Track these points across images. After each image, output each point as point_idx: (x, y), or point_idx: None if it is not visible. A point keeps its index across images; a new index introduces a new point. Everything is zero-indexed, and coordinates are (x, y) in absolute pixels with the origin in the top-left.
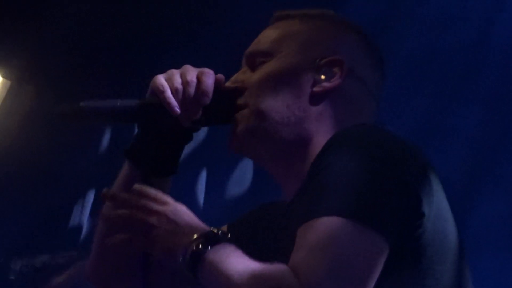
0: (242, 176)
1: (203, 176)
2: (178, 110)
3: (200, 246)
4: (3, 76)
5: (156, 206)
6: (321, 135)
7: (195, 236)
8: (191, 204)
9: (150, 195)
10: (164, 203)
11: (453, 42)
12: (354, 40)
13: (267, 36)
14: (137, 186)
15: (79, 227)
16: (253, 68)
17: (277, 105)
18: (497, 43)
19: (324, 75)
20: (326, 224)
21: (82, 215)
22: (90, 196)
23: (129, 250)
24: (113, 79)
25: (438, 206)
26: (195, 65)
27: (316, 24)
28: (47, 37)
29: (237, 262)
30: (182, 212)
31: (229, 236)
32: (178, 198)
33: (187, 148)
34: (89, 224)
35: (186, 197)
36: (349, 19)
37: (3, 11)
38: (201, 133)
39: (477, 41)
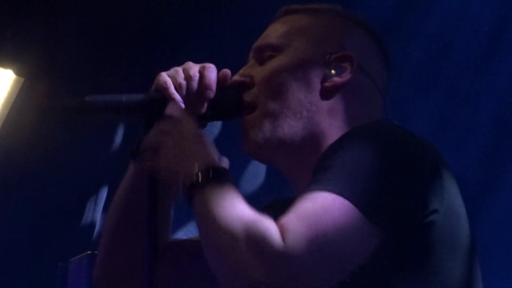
0: (256, 172)
1: None
2: (182, 104)
3: (202, 179)
4: (16, 73)
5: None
6: (333, 130)
7: (200, 166)
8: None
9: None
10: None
11: (468, 35)
12: (362, 35)
13: (276, 31)
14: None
15: (92, 224)
16: (261, 62)
17: (288, 101)
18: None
19: (334, 70)
20: (324, 198)
21: (95, 212)
22: (103, 193)
23: (139, 250)
24: (125, 75)
25: (450, 203)
26: (205, 61)
27: (324, 19)
28: (59, 34)
29: (231, 205)
30: (196, 134)
31: (231, 177)
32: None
33: None
34: (102, 222)
35: None
36: (356, 14)
37: (15, 8)
38: (215, 130)
39: (491, 33)
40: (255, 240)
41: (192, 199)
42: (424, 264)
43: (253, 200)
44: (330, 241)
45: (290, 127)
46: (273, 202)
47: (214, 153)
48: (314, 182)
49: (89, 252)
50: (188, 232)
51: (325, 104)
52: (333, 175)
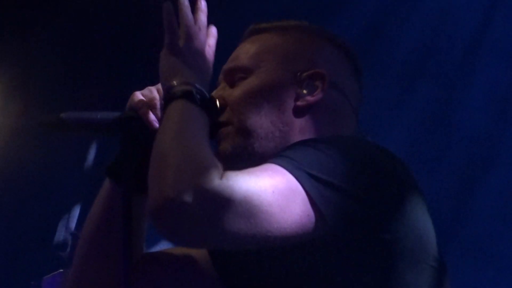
0: None
1: None
2: (156, 124)
3: (179, 93)
4: None
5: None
6: None
7: (184, 81)
8: None
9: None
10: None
11: (444, 49)
12: (333, 51)
13: (245, 52)
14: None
15: (65, 242)
16: (232, 84)
17: (261, 121)
18: (492, 41)
19: (306, 89)
20: (280, 169)
21: (68, 230)
22: (76, 211)
23: (112, 266)
24: (99, 92)
25: (412, 225)
26: None
27: (293, 37)
28: (33, 52)
29: (191, 132)
30: (200, 51)
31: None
32: None
33: None
34: (75, 240)
35: None
36: (325, 30)
37: None
38: None
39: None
40: (196, 164)
41: (166, 107)
42: (379, 275)
43: None
44: (264, 201)
45: (262, 146)
46: None
47: (203, 77)
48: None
49: (61, 270)
50: (162, 247)
51: (298, 123)
52: (293, 156)
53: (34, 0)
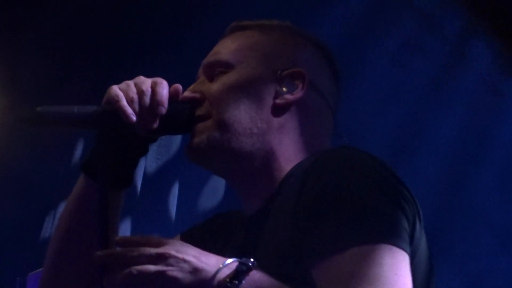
0: (215, 189)
1: (175, 189)
2: (134, 117)
3: (232, 279)
4: None
5: (155, 250)
6: (283, 148)
7: (222, 270)
8: (163, 217)
9: (141, 241)
10: (159, 243)
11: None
12: (313, 52)
13: (227, 47)
14: (119, 238)
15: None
16: (211, 78)
17: (240, 116)
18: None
19: (286, 87)
20: (350, 256)
21: (53, 227)
22: (61, 208)
23: (86, 264)
24: (85, 90)
25: (421, 228)
26: (161, 75)
27: (275, 35)
28: (19, 49)
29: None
30: (184, 246)
31: (253, 262)
32: (150, 211)
33: (159, 161)
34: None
35: (158, 210)
36: (306, 31)
37: None
38: (174, 146)
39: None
40: None
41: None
42: None
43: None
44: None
45: (239, 142)
46: (216, 215)
47: (206, 252)
48: (325, 237)
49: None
50: None
51: (276, 121)
52: (344, 223)
53: None
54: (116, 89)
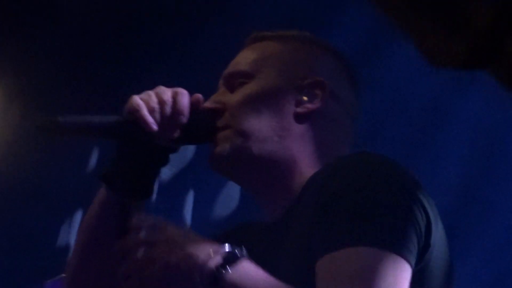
0: (229, 197)
1: (190, 197)
2: (155, 127)
3: (219, 267)
4: None
5: (154, 236)
6: (304, 156)
7: (211, 257)
8: (178, 225)
9: (148, 224)
10: (162, 229)
11: None
12: (332, 61)
13: (246, 57)
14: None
15: (67, 247)
16: (232, 89)
17: (260, 125)
18: None
19: (306, 96)
20: (354, 255)
21: (70, 234)
22: (78, 215)
23: (106, 274)
24: (101, 97)
25: (441, 231)
26: (178, 85)
27: (294, 45)
28: (32, 55)
29: (261, 283)
30: (180, 232)
31: (244, 251)
32: (165, 219)
33: (174, 169)
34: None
35: (173, 218)
36: (325, 40)
37: None
38: (189, 154)
39: None
40: None
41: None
42: None
43: (226, 223)
44: None
45: (260, 149)
46: (237, 226)
47: (203, 238)
48: (329, 235)
49: (63, 274)
50: None
51: (297, 129)
52: (348, 223)
53: (33, 4)
54: (137, 99)
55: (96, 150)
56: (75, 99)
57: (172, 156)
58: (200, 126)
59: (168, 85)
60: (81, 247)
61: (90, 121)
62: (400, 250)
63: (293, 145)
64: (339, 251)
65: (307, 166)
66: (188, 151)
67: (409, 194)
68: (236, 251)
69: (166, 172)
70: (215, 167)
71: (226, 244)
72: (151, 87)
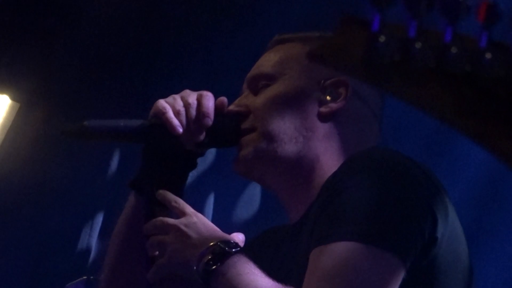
0: (250, 200)
1: (210, 200)
2: (180, 129)
3: (211, 261)
4: (12, 99)
5: (171, 221)
6: (328, 156)
7: (205, 250)
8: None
9: (170, 204)
10: (180, 213)
11: None
12: None
13: (269, 60)
14: (160, 192)
15: (88, 250)
16: (256, 92)
17: (285, 127)
18: None
19: (329, 96)
20: (342, 249)
21: (91, 237)
22: (99, 218)
23: (139, 279)
24: (122, 101)
25: (452, 227)
26: (201, 88)
27: (316, 45)
28: (55, 59)
29: (251, 279)
30: (197, 223)
31: (239, 246)
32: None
33: (195, 172)
34: (97, 248)
35: None
36: None
37: (13, 33)
38: (209, 157)
39: None
40: None
41: (210, 283)
42: None
43: (247, 226)
44: None
45: (285, 150)
46: (265, 232)
47: (214, 231)
48: (325, 228)
49: (84, 277)
50: None
51: (321, 129)
52: (344, 218)
53: (56, 9)
54: (162, 102)
55: (117, 153)
56: (99, 104)
57: None
58: (225, 129)
59: (193, 88)
60: (114, 254)
61: (116, 125)
62: (387, 245)
63: (317, 144)
64: (326, 245)
65: (330, 166)
66: (209, 154)
67: (411, 189)
68: (227, 248)
69: None
70: (240, 170)
71: (221, 240)
72: (176, 91)
